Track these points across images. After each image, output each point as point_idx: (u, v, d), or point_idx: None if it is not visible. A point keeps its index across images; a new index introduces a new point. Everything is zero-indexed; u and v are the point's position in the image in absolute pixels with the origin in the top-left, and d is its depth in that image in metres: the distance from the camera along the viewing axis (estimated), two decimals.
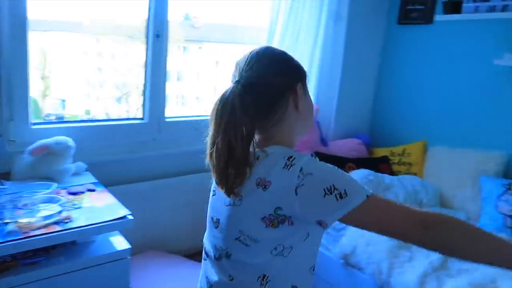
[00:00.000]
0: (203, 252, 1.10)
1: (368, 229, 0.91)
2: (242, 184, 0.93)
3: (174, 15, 2.96)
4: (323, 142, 2.93)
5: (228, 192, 0.94)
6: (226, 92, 0.94)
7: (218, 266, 1.01)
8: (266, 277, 0.95)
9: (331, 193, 0.86)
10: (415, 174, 2.93)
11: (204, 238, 1.11)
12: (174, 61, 4.52)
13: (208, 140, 0.96)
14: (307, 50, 2.87)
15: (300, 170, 0.89)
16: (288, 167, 0.90)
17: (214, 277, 1.02)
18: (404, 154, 3.02)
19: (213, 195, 1.08)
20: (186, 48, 4.61)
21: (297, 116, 1.02)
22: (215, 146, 0.92)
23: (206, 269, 1.07)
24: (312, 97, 2.52)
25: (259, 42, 2.70)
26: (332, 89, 3.09)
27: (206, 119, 1.01)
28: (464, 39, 2.80)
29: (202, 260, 1.11)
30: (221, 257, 1.00)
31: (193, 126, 2.64)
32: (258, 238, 0.93)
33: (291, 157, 0.92)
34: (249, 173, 0.92)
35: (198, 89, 4.47)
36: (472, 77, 2.77)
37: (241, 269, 0.97)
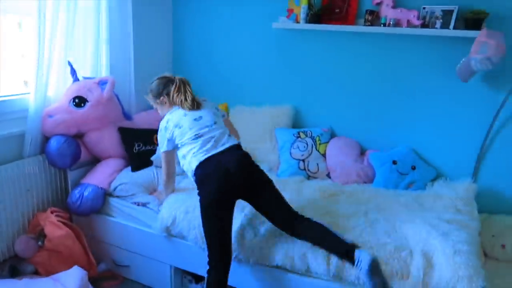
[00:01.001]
0: (195, 137, 2.02)
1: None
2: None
3: None
4: (126, 116, 2.74)
5: (199, 108, 2.11)
6: (175, 79, 2.17)
7: (213, 129, 2.04)
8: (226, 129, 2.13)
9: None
10: None
11: (188, 136, 2.03)
12: None
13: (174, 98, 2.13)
14: (91, 17, 2.58)
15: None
16: (206, 100, 2.20)
17: (216, 133, 2.04)
18: None
19: (184, 116, 2.07)
20: None
21: None
22: (185, 98, 2.10)
23: (205, 140, 2.01)
24: (106, 69, 2.80)
25: (30, 13, 2.26)
26: (126, 60, 2.89)
27: None
28: (245, 4, 2.98)
29: (197, 140, 2.01)
30: (212, 126, 2.05)
31: None
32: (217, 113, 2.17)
33: (203, 98, 2.21)
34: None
35: None
36: (256, 40, 3.01)
37: (222, 125, 2.12)
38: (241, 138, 2.96)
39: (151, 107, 3.09)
